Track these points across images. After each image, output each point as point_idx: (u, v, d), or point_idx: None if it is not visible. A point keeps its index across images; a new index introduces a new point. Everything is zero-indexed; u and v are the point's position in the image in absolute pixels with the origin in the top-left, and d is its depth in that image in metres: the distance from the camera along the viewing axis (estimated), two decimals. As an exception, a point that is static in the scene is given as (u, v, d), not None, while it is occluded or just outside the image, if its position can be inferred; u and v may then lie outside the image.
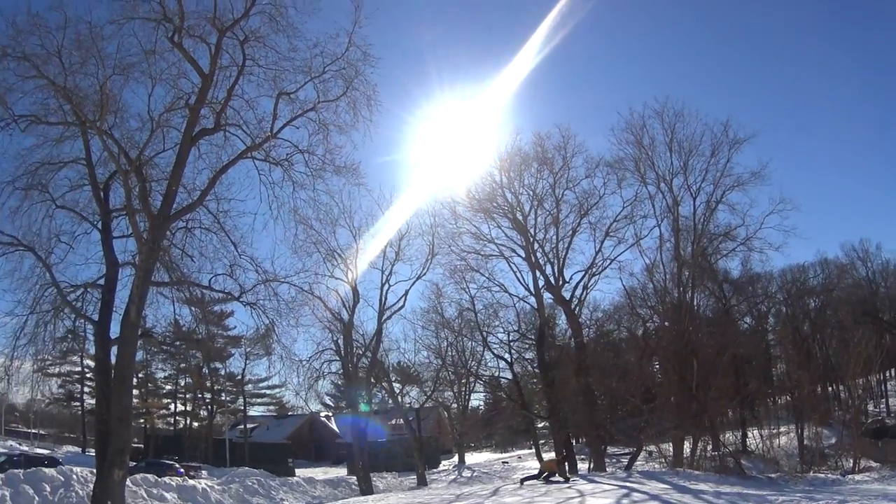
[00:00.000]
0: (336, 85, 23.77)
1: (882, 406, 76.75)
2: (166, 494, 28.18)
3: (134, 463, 37.75)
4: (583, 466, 38.57)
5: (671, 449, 36.96)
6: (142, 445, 65.96)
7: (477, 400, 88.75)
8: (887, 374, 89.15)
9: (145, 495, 27.33)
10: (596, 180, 41.79)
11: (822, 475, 32.29)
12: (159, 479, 29.66)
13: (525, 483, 27.34)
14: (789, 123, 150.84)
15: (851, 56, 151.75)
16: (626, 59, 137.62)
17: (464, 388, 68.59)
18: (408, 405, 58.55)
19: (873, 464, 36.14)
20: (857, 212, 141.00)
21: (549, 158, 41.78)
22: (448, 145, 45.38)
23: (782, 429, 45.77)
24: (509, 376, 48.85)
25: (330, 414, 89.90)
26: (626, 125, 42.02)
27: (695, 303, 45.27)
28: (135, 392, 48.04)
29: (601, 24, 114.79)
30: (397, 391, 55.40)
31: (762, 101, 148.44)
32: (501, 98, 43.99)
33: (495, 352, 47.05)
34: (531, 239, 41.79)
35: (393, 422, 68.35)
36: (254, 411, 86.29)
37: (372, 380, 49.03)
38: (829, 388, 68.80)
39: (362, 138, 24.67)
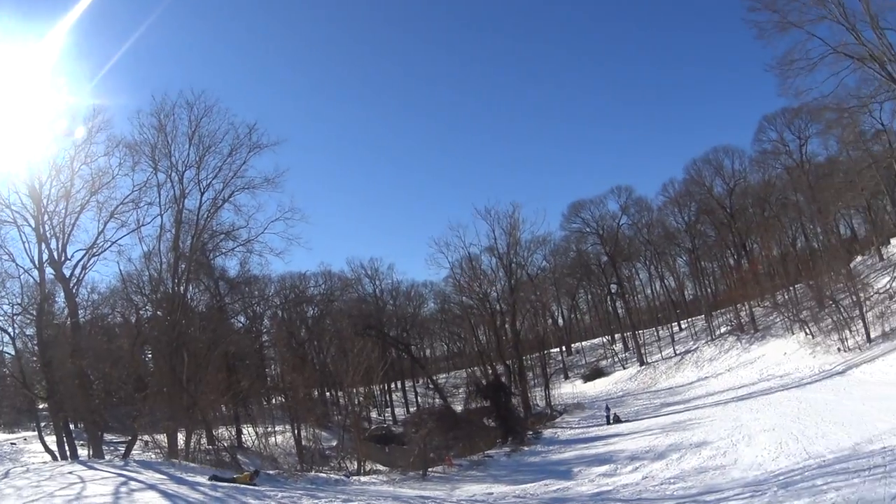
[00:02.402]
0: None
1: (388, 414, 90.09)
2: None
3: None
4: (83, 452, 39.41)
5: (167, 440, 39.89)
6: None
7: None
8: (393, 386, 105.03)
9: None
10: (113, 159, 44.48)
11: (325, 475, 38.18)
12: None
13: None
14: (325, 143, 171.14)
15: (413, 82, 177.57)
16: (190, 48, 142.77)
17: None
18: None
19: (381, 467, 43.65)
20: (368, 232, 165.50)
21: (76, 129, 43.11)
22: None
23: (278, 428, 51.92)
24: (12, 352, 48.97)
25: None
26: (154, 110, 46.22)
27: (189, 296, 51.11)
28: None
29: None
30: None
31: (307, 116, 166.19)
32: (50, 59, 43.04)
33: (-1, 324, 47.66)
34: (43, 210, 42.44)
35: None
36: None
37: None
38: (328, 393, 78.56)
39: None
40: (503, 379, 67.38)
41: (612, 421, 56.75)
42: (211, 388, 43.86)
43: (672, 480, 26.85)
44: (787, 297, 77.27)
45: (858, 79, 49.12)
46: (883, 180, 62.86)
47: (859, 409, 32.99)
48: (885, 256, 73.10)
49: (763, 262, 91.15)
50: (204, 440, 41.58)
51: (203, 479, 27.31)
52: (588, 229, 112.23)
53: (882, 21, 45.93)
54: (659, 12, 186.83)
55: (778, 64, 50.24)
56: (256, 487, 27.25)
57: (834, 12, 46.58)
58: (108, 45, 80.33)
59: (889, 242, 76.79)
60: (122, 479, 24.30)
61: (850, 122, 51.99)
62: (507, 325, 76.29)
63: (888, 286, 54.75)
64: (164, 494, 21.89)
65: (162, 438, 40.07)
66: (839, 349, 56.45)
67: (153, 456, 37.48)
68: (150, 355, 50.72)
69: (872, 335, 53.74)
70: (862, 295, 57.50)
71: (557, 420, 66.58)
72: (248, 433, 49.81)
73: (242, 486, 27.20)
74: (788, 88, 50.55)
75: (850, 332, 56.47)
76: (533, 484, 32.41)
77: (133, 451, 38.75)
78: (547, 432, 57.68)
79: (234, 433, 49.01)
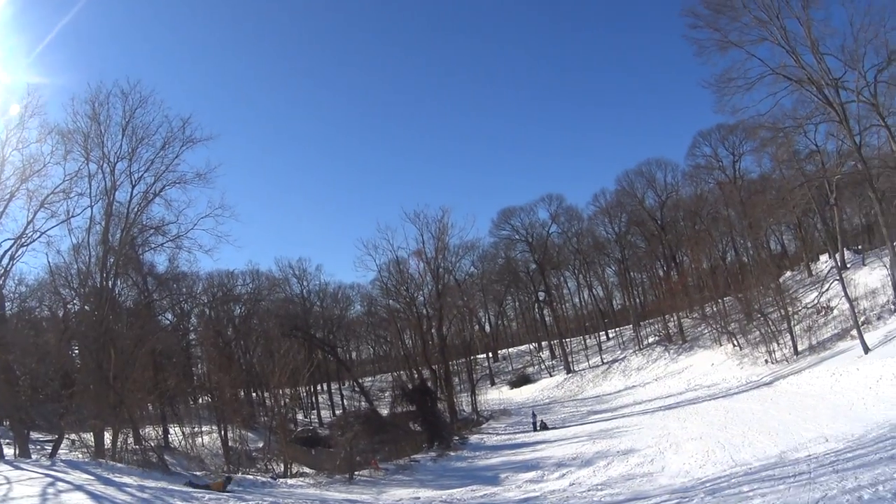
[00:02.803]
0: None
1: (314, 416, 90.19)
2: None
3: None
4: (9, 452, 38.86)
5: (93, 439, 39.60)
6: None
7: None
8: (319, 388, 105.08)
9: None
10: (45, 146, 43.30)
11: (252, 477, 38.29)
12: None
13: None
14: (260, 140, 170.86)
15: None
16: (130, 27, 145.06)
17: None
18: None
19: (308, 470, 43.92)
20: (297, 231, 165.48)
21: (10, 107, 42.46)
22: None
23: (205, 428, 51.90)
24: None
25: None
26: (89, 97, 44.98)
27: (117, 291, 50.40)
28: None
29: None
30: None
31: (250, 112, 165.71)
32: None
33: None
34: (-31, 199, 41.68)
35: None
36: None
37: None
38: (255, 394, 78.50)
39: None
40: (429, 383, 68.05)
41: (538, 428, 58.03)
42: (138, 387, 43.56)
43: (599, 487, 27.72)
44: (715, 309, 79.42)
45: (795, 100, 51.10)
46: (814, 199, 65.40)
47: (786, 418, 34.45)
48: (813, 272, 75.54)
49: (692, 275, 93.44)
50: (131, 439, 41.39)
51: (129, 480, 27.42)
52: (517, 236, 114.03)
53: (822, 46, 47.98)
54: (596, 20, 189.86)
55: (716, 81, 51.95)
56: (180, 488, 27.54)
57: (775, 35, 48.41)
58: (47, 19, 79.05)
59: (818, 259, 79.31)
60: (50, 479, 24.22)
61: (785, 141, 53.96)
62: (433, 330, 77.26)
63: (816, 301, 56.76)
64: (92, 495, 22.00)
65: (89, 437, 39.71)
66: (767, 361, 58.88)
67: (80, 455, 37.18)
68: (76, 351, 50.09)
69: (800, 348, 56.01)
70: (790, 309, 59.80)
71: (484, 426, 67.56)
72: (175, 433, 49.79)
73: (172, 487, 27.54)
74: (725, 106, 52.31)
75: (778, 344, 58.89)
76: (460, 489, 32.97)
77: (60, 451, 38.36)
78: (473, 438, 58.60)
79: (160, 433, 48.76)
